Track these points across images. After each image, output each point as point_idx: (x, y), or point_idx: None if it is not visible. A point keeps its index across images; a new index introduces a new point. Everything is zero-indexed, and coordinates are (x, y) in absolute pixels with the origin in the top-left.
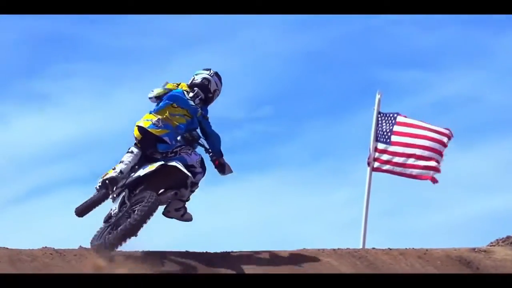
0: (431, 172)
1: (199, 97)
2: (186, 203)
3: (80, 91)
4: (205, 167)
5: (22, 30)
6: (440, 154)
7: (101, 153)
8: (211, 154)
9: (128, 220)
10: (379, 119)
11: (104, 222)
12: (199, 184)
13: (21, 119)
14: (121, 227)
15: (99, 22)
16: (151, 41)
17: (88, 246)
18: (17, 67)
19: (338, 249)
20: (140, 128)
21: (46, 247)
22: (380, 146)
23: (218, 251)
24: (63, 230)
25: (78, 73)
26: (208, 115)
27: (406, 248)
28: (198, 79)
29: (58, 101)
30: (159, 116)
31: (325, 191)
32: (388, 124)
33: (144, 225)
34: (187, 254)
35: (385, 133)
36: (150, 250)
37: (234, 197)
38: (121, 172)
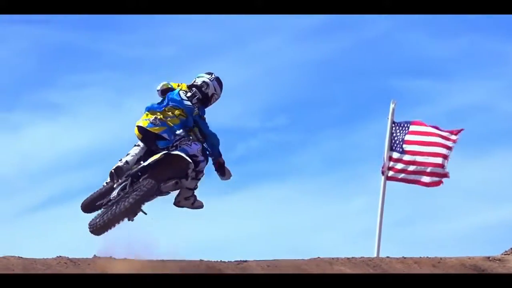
0: (441, 179)
1: (196, 96)
2: (195, 191)
3: (92, 101)
4: (207, 155)
5: (35, 40)
6: (446, 157)
7: (113, 163)
8: (213, 158)
9: (124, 203)
10: (393, 128)
11: (103, 205)
12: (204, 172)
13: (33, 128)
14: (116, 209)
15: (111, 32)
16: (163, 51)
17: (103, 255)
18: (30, 76)
19: (353, 257)
20: (140, 128)
21: (60, 256)
22: (395, 155)
23: (232, 259)
24: (78, 239)
25: (90, 83)
26: (205, 116)
27: (420, 257)
28: (198, 81)
29: (70, 110)
30: (155, 115)
31: (339, 200)
32: (402, 134)
33: (139, 210)
34: (200, 263)
35: (398, 142)
36: (164, 258)
37: (248, 206)
38: (127, 162)
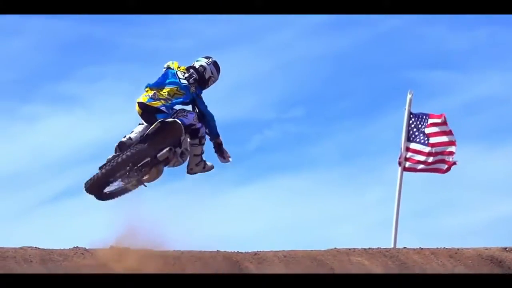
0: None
1: (193, 77)
2: (203, 156)
3: (108, 93)
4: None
5: (52, 32)
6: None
7: None
8: (212, 139)
9: (112, 162)
10: (411, 119)
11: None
12: (206, 136)
13: (50, 120)
14: (105, 168)
15: (127, 24)
16: (179, 43)
17: (120, 246)
18: (46, 69)
19: (369, 248)
20: (140, 104)
21: (77, 247)
22: (414, 146)
23: (249, 250)
24: (95, 230)
25: (107, 75)
26: (202, 95)
27: (437, 248)
28: (196, 65)
29: (86, 103)
30: (154, 91)
31: (356, 191)
32: (422, 126)
33: (122, 171)
34: (217, 254)
35: (418, 134)
36: (181, 250)
37: (264, 197)
38: (130, 138)
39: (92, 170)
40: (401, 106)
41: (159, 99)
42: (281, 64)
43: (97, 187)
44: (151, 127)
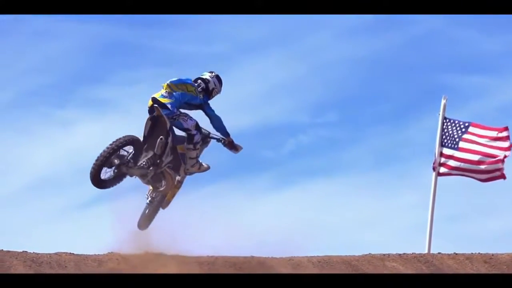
0: (497, 174)
1: (201, 86)
2: (198, 158)
3: (144, 98)
4: (201, 129)
5: (87, 36)
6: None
7: None
8: (223, 140)
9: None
10: (445, 124)
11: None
12: (200, 141)
13: (84, 124)
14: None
15: (162, 28)
16: (214, 47)
17: (153, 251)
18: (81, 73)
19: (404, 253)
20: (153, 98)
21: (112, 252)
22: (446, 151)
23: (283, 255)
24: (129, 235)
25: (142, 79)
26: (209, 102)
27: (472, 253)
28: (202, 77)
29: (121, 107)
30: (168, 89)
31: (390, 195)
32: (457, 131)
33: (115, 157)
34: (252, 259)
35: (452, 139)
36: (216, 255)
37: (298, 201)
38: None
39: None
40: (436, 110)
41: (170, 97)
42: (315, 67)
43: (94, 177)
44: (145, 126)
